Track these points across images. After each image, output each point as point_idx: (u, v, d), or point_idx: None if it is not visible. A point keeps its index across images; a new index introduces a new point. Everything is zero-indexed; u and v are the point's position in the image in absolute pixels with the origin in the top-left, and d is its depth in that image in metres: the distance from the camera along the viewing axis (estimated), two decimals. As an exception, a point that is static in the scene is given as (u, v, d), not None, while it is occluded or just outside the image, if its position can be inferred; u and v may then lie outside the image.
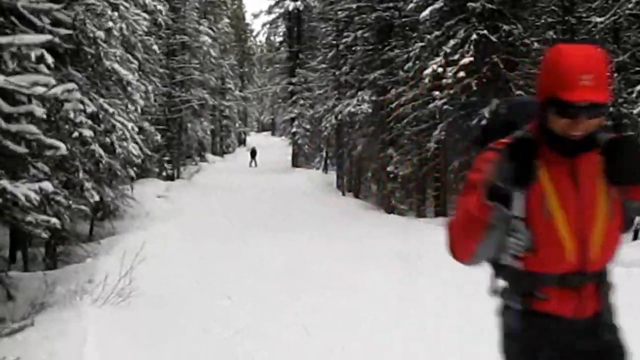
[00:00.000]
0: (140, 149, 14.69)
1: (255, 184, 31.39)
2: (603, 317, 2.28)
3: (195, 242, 14.17)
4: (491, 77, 16.83)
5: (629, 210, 2.25)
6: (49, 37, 7.23)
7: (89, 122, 10.79)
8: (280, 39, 47.85)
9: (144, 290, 8.27)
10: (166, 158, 30.78)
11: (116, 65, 11.92)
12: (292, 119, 42.88)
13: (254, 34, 72.43)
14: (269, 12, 45.59)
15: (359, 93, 24.67)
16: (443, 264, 11.53)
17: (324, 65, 32.12)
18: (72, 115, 9.81)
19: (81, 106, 9.87)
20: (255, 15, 76.76)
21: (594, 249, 2.18)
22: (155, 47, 21.16)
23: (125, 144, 13.04)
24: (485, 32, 16.41)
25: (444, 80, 16.46)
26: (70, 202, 9.58)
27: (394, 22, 23.37)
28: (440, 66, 16.54)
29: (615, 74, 13.66)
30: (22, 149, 7.29)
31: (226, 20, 52.20)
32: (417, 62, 18.94)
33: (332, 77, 29.98)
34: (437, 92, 17.04)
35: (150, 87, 18.76)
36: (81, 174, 10.80)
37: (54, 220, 7.77)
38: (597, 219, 2.18)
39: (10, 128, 7.00)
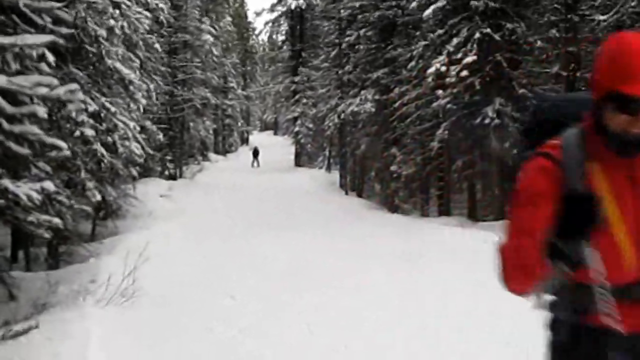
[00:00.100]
0: (143, 148, 14.65)
1: (258, 183, 31.36)
2: None
3: (198, 241, 14.16)
4: (494, 76, 16.80)
5: None
6: (51, 37, 7.20)
7: (91, 121, 10.78)
8: (283, 37, 47.89)
9: (147, 290, 8.27)
10: (168, 157, 30.80)
11: (118, 64, 11.90)
12: (295, 118, 42.82)
13: (256, 32, 72.67)
14: (272, 10, 45.59)
15: (362, 92, 24.63)
16: (445, 264, 11.54)
17: (326, 64, 32.11)
18: (73, 114, 9.79)
19: (83, 105, 9.83)
20: (258, 14, 77.32)
21: None
22: (157, 45, 21.15)
23: (127, 143, 13.02)
24: (488, 30, 16.39)
25: (447, 79, 16.44)
26: (72, 201, 9.56)
27: (396, 20, 23.31)
28: (443, 65, 16.52)
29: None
30: (25, 151, 7.25)
31: (228, 18, 52.22)
32: (420, 61, 18.92)
33: (335, 76, 29.95)
34: (440, 91, 17.02)
35: (152, 86, 18.75)
36: (83, 174, 10.79)
37: (56, 220, 7.74)
38: None
39: (13, 129, 6.94)
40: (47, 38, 7.14)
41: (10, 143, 7.03)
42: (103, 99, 11.59)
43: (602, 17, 14.29)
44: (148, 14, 15.06)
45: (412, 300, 8.38)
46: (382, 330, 6.93)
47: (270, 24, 47.65)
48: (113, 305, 7.63)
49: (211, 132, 44.58)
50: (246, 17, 69.15)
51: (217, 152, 50.94)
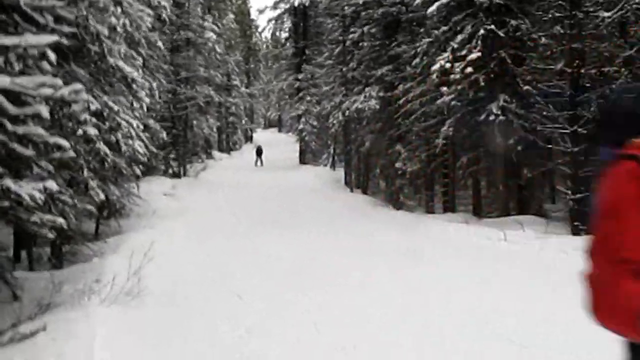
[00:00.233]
0: (146, 146, 14.63)
1: (262, 181, 31.34)
2: None
3: (202, 239, 14.14)
4: (499, 73, 16.74)
5: None
6: (54, 37, 7.13)
7: (94, 120, 10.73)
8: (286, 34, 47.81)
9: (151, 289, 8.26)
10: (172, 155, 30.79)
11: (120, 62, 11.84)
12: (299, 116, 42.80)
13: (260, 29, 72.62)
14: (275, 7, 45.53)
15: (366, 89, 24.55)
16: (450, 261, 11.51)
17: (330, 62, 32.01)
18: (76, 113, 9.74)
19: (85, 104, 9.79)
20: (261, 11, 76.92)
21: None
22: (159, 43, 21.10)
23: (130, 141, 12.99)
24: (492, 27, 16.33)
25: (452, 76, 16.38)
26: (75, 200, 9.53)
27: (400, 17, 23.25)
28: (447, 62, 16.45)
29: (622, 69, 13.52)
30: (29, 152, 7.20)
31: (231, 16, 52.21)
32: (424, 57, 18.87)
33: (339, 73, 29.86)
34: (444, 88, 16.94)
35: (155, 84, 18.73)
36: (86, 173, 10.75)
37: (59, 219, 7.71)
38: None
39: (16, 130, 6.90)
40: (50, 38, 7.08)
41: (14, 144, 6.98)
42: (105, 98, 11.55)
43: (606, 14, 14.22)
44: (150, 11, 14.97)
45: (417, 297, 8.38)
46: (387, 327, 6.92)
47: (273, 21, 47.67)
48: (117, 305, 7.62)
49: (215, 130, 44.57)
50: (249, 14, 69.17)
51: (221, 150, 50.95)
